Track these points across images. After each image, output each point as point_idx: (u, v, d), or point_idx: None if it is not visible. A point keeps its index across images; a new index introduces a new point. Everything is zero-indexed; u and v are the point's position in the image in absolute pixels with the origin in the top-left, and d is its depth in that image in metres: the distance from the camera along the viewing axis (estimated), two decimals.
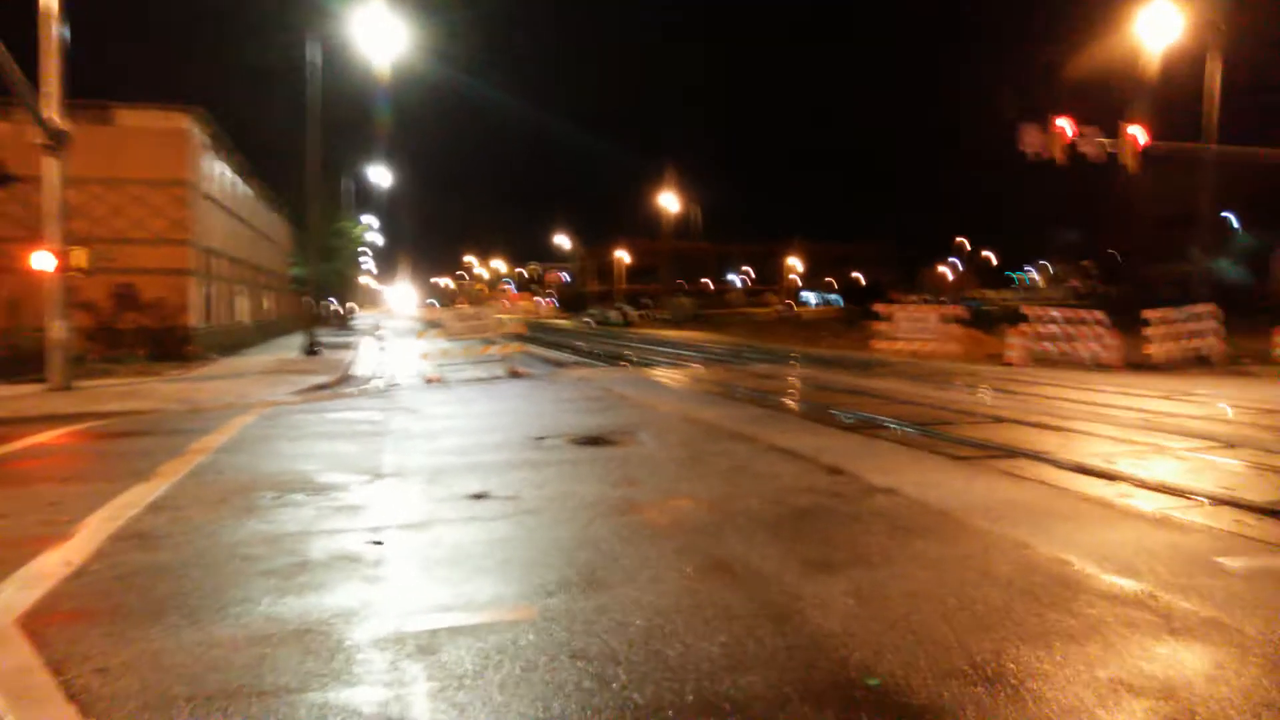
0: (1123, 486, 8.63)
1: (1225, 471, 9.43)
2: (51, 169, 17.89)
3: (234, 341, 34.52)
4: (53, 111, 17.52)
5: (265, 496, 8.43)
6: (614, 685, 4.24)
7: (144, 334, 27.06)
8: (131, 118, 27.19)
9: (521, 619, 5.10)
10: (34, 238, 23.56)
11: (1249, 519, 7.36)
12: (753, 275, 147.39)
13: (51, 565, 6.19)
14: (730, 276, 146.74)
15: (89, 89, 26.64)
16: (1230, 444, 11.11)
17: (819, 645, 4.69)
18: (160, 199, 27.25)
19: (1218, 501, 7.96)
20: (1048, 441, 11.36)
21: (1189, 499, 8.10)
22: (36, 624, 5.08)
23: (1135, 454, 10.42)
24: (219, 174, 32.82)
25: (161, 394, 17.81)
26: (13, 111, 25.24)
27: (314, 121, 29.04)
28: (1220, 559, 6.15)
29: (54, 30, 17.35)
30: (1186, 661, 4.47)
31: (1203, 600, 5.33)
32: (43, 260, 17.83)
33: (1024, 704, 4.03)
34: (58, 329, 17.93)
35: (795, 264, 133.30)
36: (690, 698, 4.11)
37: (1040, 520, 7.24)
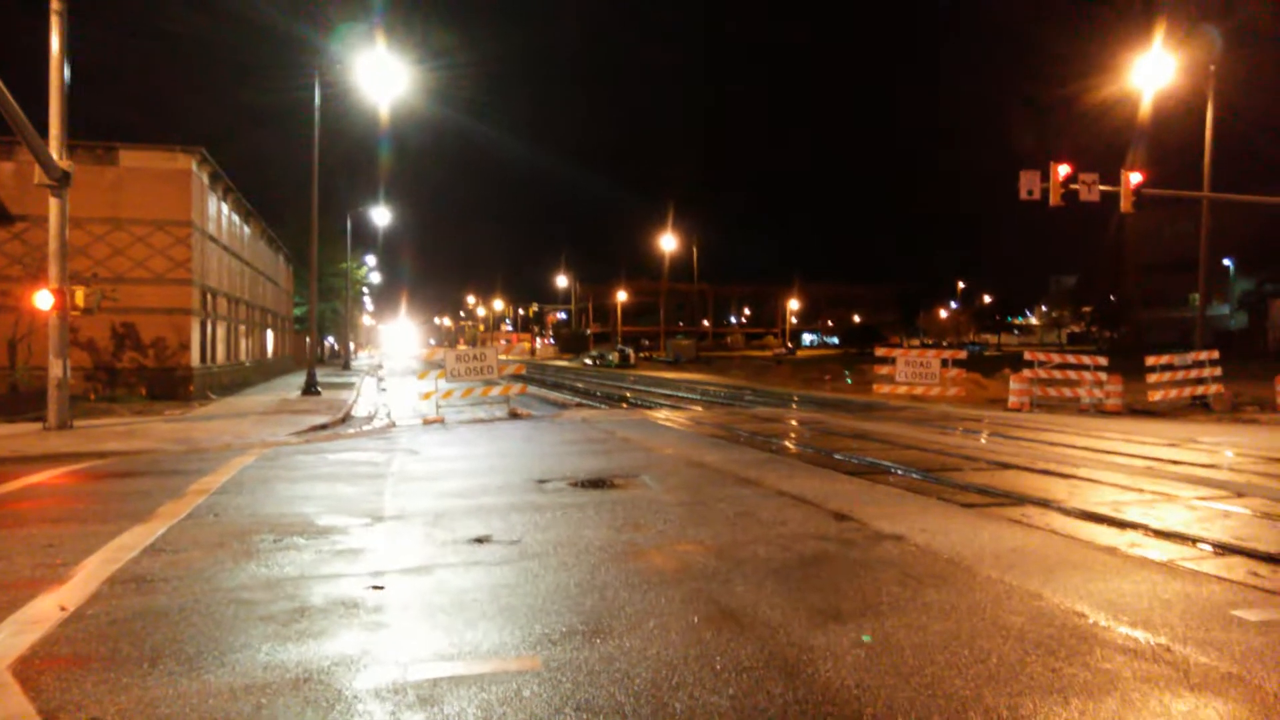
0: (1133, 535, 8.52)
1: (1236, 520, 9.33)
2: (54, 209, 17.94)
3: (234, 381, 34.45)
4: (56, 151, 17.60)
5: (264, 539, 8.31)
6: None
7: (144, 373, 27.01)
8: (134, 158, 27.34)
9: (525, 669, 4.99)
10: (35, 276, 23.68)
11: (1263, 569, 7.25)
12: (751, 316, 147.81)
13: (46, 609, 6.08)
14: (729, 318, 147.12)
15: (92, 129, 26.86)
16: (1239, 492, 11.01)
17: (831, 699, 4.58)
18: (162, 239, 27.32)
19: (1230, 551, 7.85)
20: (1055, 489, 11.26)
21: (1200, 548, 8.00)
22: (30, 670, 4.97)
23: (1144, 502, 10.31)
24: (220, 214, 32.95)
25: (160, 434, 17.71)
26: (16, 151, 25.47)
27: (315, 162, 29.24)
28: (1236, 611, 6.04)
29: (58, 71, 17.48)
30: (1207, 718, 4.36)
31: (1220, 654, 5.22)
32: (44, 299, 17.81)
33: None
34: (57, 368, 17.87)
35: (794, 305, 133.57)
36: None
37: (1051, 570, 7.14)
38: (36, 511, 10.08)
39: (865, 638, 5.46)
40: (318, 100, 28.52)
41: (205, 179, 29.70)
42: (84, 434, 17.32)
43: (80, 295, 18.52)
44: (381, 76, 27.52)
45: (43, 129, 17.40)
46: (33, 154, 17.31)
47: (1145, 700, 4.57)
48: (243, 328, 38.01)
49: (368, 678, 4.89)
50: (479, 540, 8.24)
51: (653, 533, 8.53)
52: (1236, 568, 7.32)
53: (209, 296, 30.59)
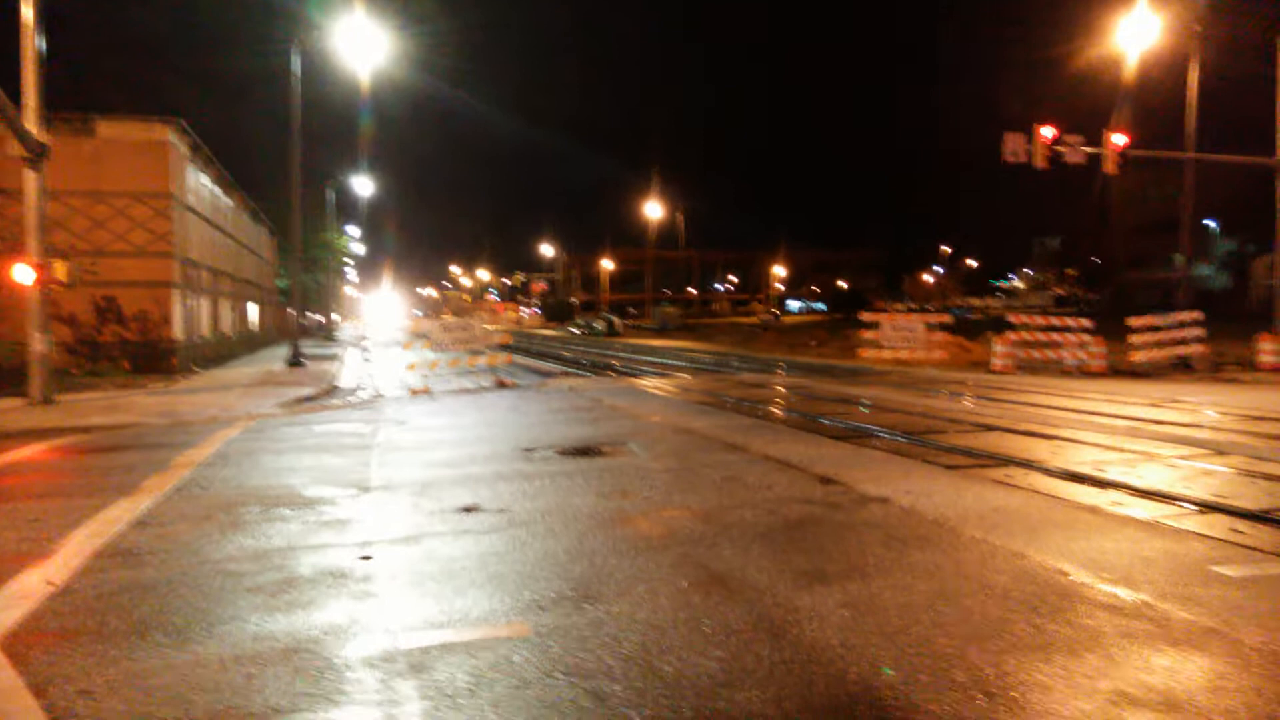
0: (1115, 494, 8.61)
1: (1217, 478, 9.43)
2: (31, 181, 17.70)
3: (217, 354, 34.25)
4: (32, 124, 17.34)
5: (251, 511, 8.31)
6: (610, 702, 4.16)
7: (126, 347, 26.82)
8: (112, 130, 26.95)
9: (515, 635, 5.02)
10: (14, 250, 23.36)
11: (1243, 526, 7.35)
12: (737, 283, 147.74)
13: (33, 584, 6.07)
14: (715, 285, 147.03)
15: (68, 101, 26.48)
16: (1220, 450, 11.12)
17: (817, 659, 4.63)
18: (141, 211, 27.02)
19: (1211, 509, 7.94)
20: (1038, 449, 11.35)
21: (1182, 506, 8.09)
22: (18, 645, 4.97)
23: (1126, 461, 10.41)
24: (201, 185, 32.60)
25: (145, 407, 17.63)
26: None
27: (295, 132, 28.92)
28: (1216, 567, 6.12)
29: (32, 42, 17.19)
30: (1187, 673, 4.43)
31: (1201, 610, 5.29)
32: (23, 273, 17.62)
33: (1025, 717, 3.98)
34: (39, 342, 17.73)
35: (779, 271, 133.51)
36: (688, 714, 4.03)
37: (1035, 529, 7.21)
38: (21, 486, 10.04)
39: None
40: (297, 69, 28.16)
41: (184, 150, 29.35)
42: (67, 408, 17.22)
43: (61, 269, 18.31)
44: (362, 43, 27.14)
45: (17, 100, 17.12)
46: (9, 126, 17.04)
47: (1127, 655, 4.64)
48: (226, 300, 37.75)
49: (358, 646, 4.91)
50: (467, 509, 8.26)
51: (640, 499, 8.57)
52: (1217, 525, 7.41)
53: (191, 269, 30.33)
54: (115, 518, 8.02)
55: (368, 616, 5.39)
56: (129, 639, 5.04)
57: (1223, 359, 26.15)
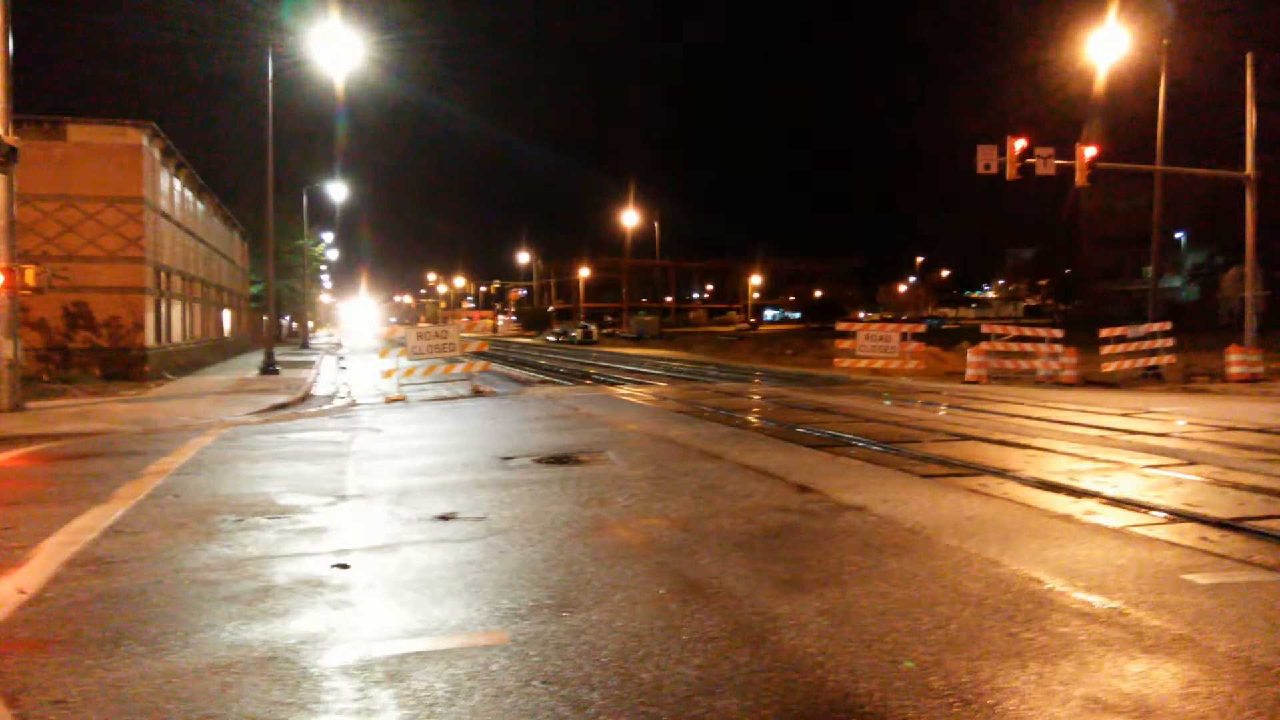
0: (1088, 503, 8.71)
1: (1188, 487, 9.56)
2: (0, 185, 17.49)
3: (190, 361, 33.94)
4: (1, 126, 17.15)
5: (226, 520, 8.24)
6: (588, 710, 4.16)
7: (98, 354, 26.53)
8: (83, 133, 26.70)
9: (493, 643, 5.01)
10: None
11: (1213, 534, 7.45)
12: (714, 291, 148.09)
13: (4, 592, 5.99)
14: (692, 294, 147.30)
15: (39, 104, 26.19)
16: (1190, 460, 11.27)
17: (796, 666, 4.65)
18: (113, 216, 26.76)
19: (1182, 518, 8.05)
20: (1012, 458, 11.46)
21: (1154, 515, 8.19)
22: None
23: (1099, 471, 10.53)
24: (173, 190, 32.34)
25: (116, 415, 17.44)
26: None
27: (269, 136, 28.76)
28: (1188, 575, 6.20)
29: (1, 45, 17.01)
30: (1159, 679, 4.48)
31: (1173, 617, 5.36)
32: None
33: None
34: (8, 348, 17.50)
35: (756, 281, 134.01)
36: None
37: (1009, 537, 7.28)
38: None
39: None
40: (270, 73, 28.01)
41: (157, 154, 29.11)
42: (37, 416, 17.01)
43: (30, 274, 18.10)
44: (335, 48, 27.05)
45: None
46: None
47: (1100, 662, 4.69)
48: (198, 306, 37.44)
49: (334, 655, 4.88)
50: (444, 518, 8.24)
51: (618, 507, 8.58)
52: (1188, 533, 7.51)
53: (163, 274, 30.06)
54: (88, 526, 7.94)
55: (344, 625, 5.36)
56: (103, 648, 4.99)
57: (1192, 370, 26.49)
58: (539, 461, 11.42)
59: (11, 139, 17.34)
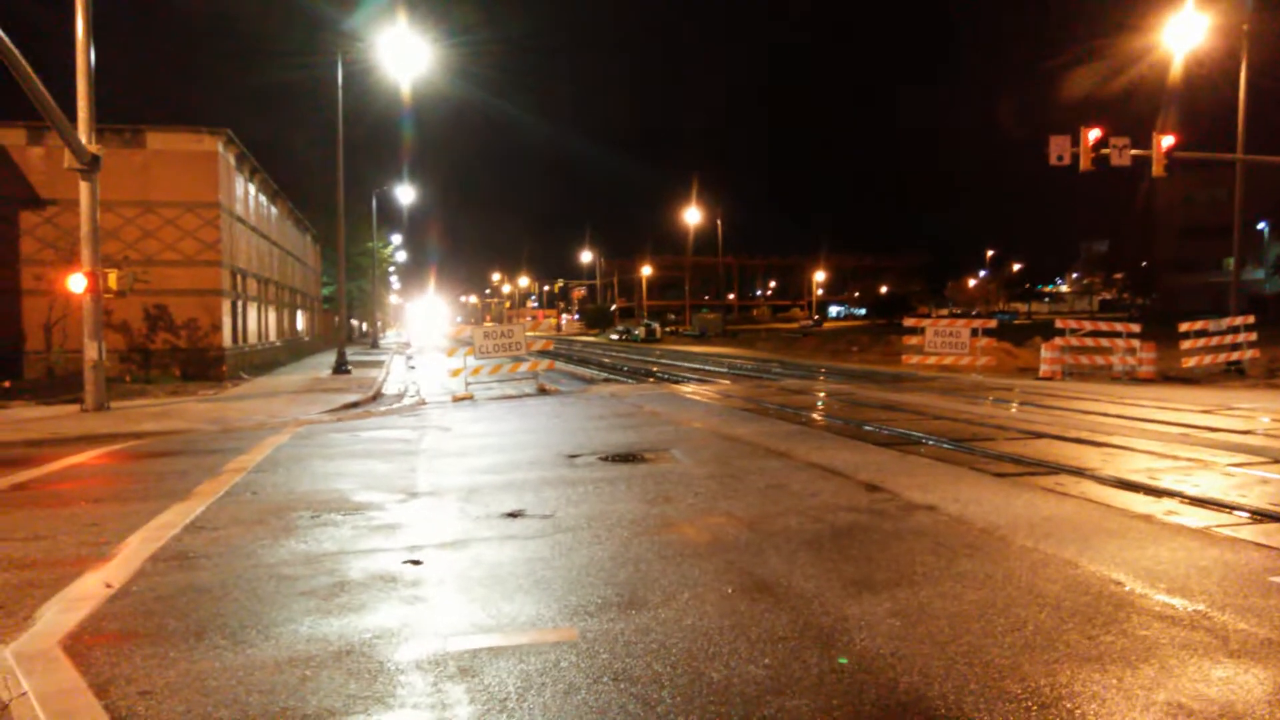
0: (1169, 503, 8.46)
1: (1274, 486, 9.23)
2: (85, 192, 18.11)
3: (265, 361, 34.79)
4: (85, 135, 17.75)
5: (302, 516, 8.43)
6: (658, 709, 4.17)
7: (177, 354, 27.35)
8: (161, 140, 27.53)
9: (562, 640, 5.05)
10: (67, 260, 23.99)
11: None
12: (776, 289, 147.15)
13: (92, 587, 6.21)
14: (755, 291, 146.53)
15: (118, 113, 27.04)
16: (1275, 459, 10.89)
17: (867, 668, 4.60)
18: (191, 221, 27.55)
19: (1268, 518, 7.78)
20: (1088, 457, 11.18)
21: (1237, 515, 7.93)
22: (79, 646, 5.08)
23: (1179, 469, 10.23)
24: (248, 195, 33.15)
25: (195, 414, 17.95)
26: (45, 136, 25.74)
27: (340, 141, 29.33)
28: (1275, 578, 6.00)
29: (85, 55, 17.60)
30: (1246, 685, 4.34)
31: (1260, 621, 5.19)
32: (77, 282, 18.03)
33: None
34: (92, 350, 18.11)
35: (820, 277, 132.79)
36: None
37: (1086, 538, 7.11)
38: (78, 491, 10.27)
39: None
40: (340, 79, 28.56)
41: (231, 160, 29.87)
42: (120, 415, 17.58)
43: (113, 278, 18.75)
44: (403, 53, 27.45)
45: (70, 113, 17.53)
46: (62, 138, 17.45)
47: (1184, 667, 4.56)
48: (273, 308, 38.33)
49: (408, 650, 4.97)
50: (512, 515, 8.32)
51: (684, 506, 8.57)
52: (1274, 534, 7.26)
53: (239, 277, 30.85)
54: (170, 522, 8.18)
55: (417, 620, 5.45)
56: (186, 640, 5.14)
57: (1276, 365, 25.58)
58: (604, 459, 11.47)
59: (94, 147, 17.95)
